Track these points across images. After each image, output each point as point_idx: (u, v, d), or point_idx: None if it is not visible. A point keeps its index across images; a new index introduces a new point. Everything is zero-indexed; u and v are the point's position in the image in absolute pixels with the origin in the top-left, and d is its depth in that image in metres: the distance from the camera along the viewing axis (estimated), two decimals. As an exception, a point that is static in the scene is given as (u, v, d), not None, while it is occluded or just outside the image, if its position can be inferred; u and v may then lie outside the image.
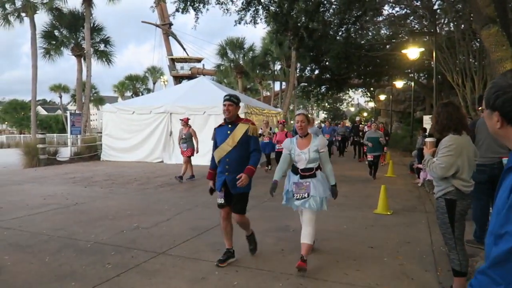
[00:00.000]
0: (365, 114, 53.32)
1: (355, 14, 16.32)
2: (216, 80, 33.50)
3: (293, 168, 3.90)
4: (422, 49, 14.36)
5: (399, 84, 23.39)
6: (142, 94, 43.55)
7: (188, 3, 14.83)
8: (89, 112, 22.62)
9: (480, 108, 5.45)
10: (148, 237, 4.85)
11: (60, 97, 48.64)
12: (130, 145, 14.26)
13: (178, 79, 48.72)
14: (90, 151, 15.23)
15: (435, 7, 16.12)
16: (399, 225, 5.54)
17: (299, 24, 18.48)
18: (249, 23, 17.13)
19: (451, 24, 15.37)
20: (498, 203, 1.09)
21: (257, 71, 33.04)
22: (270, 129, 11.94)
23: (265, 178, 9.24)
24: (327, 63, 22.63)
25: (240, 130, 3.82)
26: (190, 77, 44.01)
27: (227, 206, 3.86)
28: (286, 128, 11.78)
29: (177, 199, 7.31)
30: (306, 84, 27.71)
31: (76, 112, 19.06)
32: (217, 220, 4.38)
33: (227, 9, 16.04)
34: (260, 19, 17.49)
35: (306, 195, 3.71)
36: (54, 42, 22.67)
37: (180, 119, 10.09)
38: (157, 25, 49.34)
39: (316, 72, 24.92)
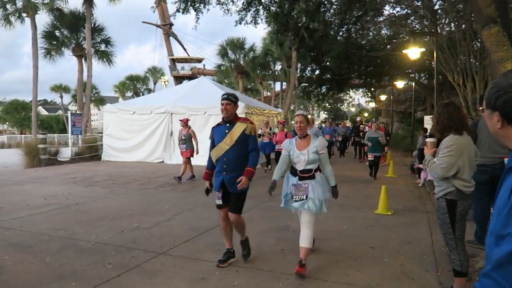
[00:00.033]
0: (366, 114, 53.31)
1: (356, 14, 16.31)
2: (217, 81, 33.53)
3: (291, 169, 3.83)
4: (423, 49, 14.35)
5: (399, 84, 23.38)
6: (143, 95, 43.56)
7: (189, 3, 14.86)
8: (90, 112, 22.64)
9: (480, 108, 5.45)
10: (149, 237, 4.85)
11: (61, 97, 48.72)
12: (130, 145, 14.27)
13: (178, 79, 48.77)
14: (91, 151, 15.24)
15: (436, 7, 16.12)
16: (400, 225, 5.53)
17: (299, 24, 18.49)
18: (250, 24, 17.16)
19: (452, 24, 15.36)
20: (499, 204, 1.09)
21: (258, 71, 33.05)
22: (270, 129, 11.92)
23: (265, 178, 9.23)
24: (327, 63, 22.63)
25: (238, 129, 3.78)
26: (190, 77, 44.05)
27: (225, 206, 3.84)
28: (287, 128, 11.77)
29: (178, 199, 7.31)
30: (306, 84, 27.73)
31: (77, 112, 19.07)
32: (217, 220, 4.38)
33: (227, 10, 16.07)
34: (261, 19, 17.51)
35: (304, 197, 3.63)
36: (55, 42, 22.72)
37: (180, 120, 10.08)
38: (157, 26, 49.40)
39: (317, 72, 24.94)
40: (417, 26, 18.19)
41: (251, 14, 16.71)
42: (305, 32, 19.20)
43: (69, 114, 17.04)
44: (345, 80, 25.04)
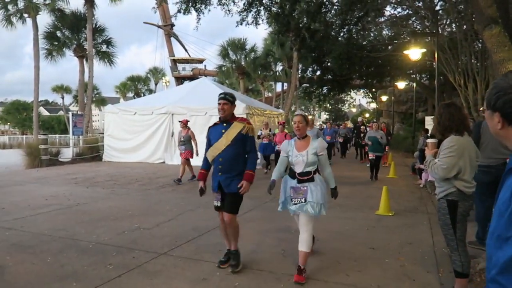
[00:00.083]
0: (367, 115, 53.24)
1: (357, 15, 16.30)
2: (218, 81, 33.56)
3: (290, 172, 3.75)
4: (424, 50, 14.33)
5: (401, 85, 23.32)
6: (144, 95, 43.61)
7: (190, 4, 14.85)
8: (91, 113, 22.70)
9: (481, 109, 5.44)
10: (150, 237, 4.85)
11: (62, 98, 48.80)
12: (132, 146, 14.28)
13: (180, 80, 48.77)
14: (92, 152, 15.25)
15: (437, 7, 16.10)
16: (401, 226, 5.52)
17: (301, 25, 18.49)
18: (251, 24, 17.14)
19: (453, 25, 15.33)
20: (499, 204, 1.09)
21: (259, 72, 33.04)
22: (270, 130, 11.89)
23: (265, 179, 9.20)
24: (328, 64, 22.61)
25: (234, 129, 3.73)
26: (191, 78, 44.09)
27: (224, 208, 3.82)
28: (287, 129, 11.73)
29: (179, 200, 7.31)
30: (307, 85, 27.69)
31: (78, 113, 19.09)
32: (218, 221, 4.37)
33: (228, 10, 16.05)
34: (262, 20, 17.49)
35: (303, 200, 3.55)
36: (56, 43, 22.75)
37: (179, 121, 10.07)
38: (159, 26, 49.42)
39: (318, 73, 24.91)
40: (418, 27, 18.16)
41: (252, 14, 16.70)
42: (306, 32, 19.20)
43: (70, 115, 17.06)
44: (346, 81, 24.99)
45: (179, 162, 12.00)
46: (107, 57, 23.92)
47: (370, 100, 44.34)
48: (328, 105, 62.18)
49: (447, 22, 16.23)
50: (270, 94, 42.43)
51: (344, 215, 6.09)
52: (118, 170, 11.80)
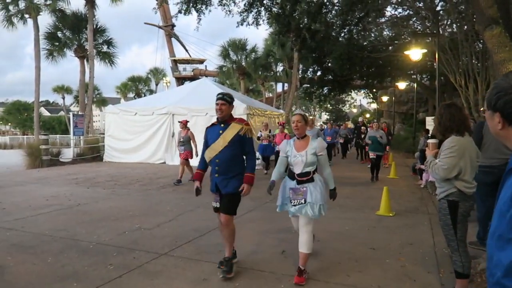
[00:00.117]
0: (367, 115, 53.23)
1: (358, 16, 16.29)
2: (219, 82, 33.56)
3: (289, 173, 3.70)
4: (425, 51, 14.33)
5: (401, 85, 23.33)
6: (145, 95, 43.65)
7: (191, 4, 14.85)
8: (91, 113, 22.71)
9: (482, 109, 5.43)
10: (150, 238, 4.85)
11: (63, 98, 48.84)
12: (132, 146, 14.29)
13: (180, 80, 48.77)
14: (93, 152, 15.27)
15: (438, 8, 16.09)
16: (401, 226, 5.52)
17: (301, 26, 18.47)
18: (252, 25, 17.15)
19: (454, 25, 15.34)
20: (500, 204, 1.08)
21: (259, 73, 33.04)
22: (270, 131, 11.84)
23: (265, 179, 9.19)
24: (329, 64, 22.62)
25: (232, 130, 3.67)
26: (192, 78, 44.06)
27: None
28: (287, 129, 11.71)
29: (179, 200, 7.32)
30: (308, 85, 27.71)
31: (79, 113, 19.10)
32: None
33: (229, 11, 16.04)
34: (263, 21, 17.46)
35: (303, 201, 3.50)
36: (57, 44, 22.77)
37: (179, 121, 10.05)
38: (159, 27, 49.42)
39: (319, 73, 24.93)
40: (419, 27, 18.17)
41: (253, 15, 16.68)
42: (307, 33, 19.18)
43: (71, 115, 17.07)
44: (347, 81, 25.00)
45: (179, 163, 12.02)
46: (108, 58, 23.94)
47: (371, 100, 44.33)
48: (328, 105, 62.12)
49: (448, 23, 16.23)
50: (270, 95, 42.41)
51: (344, 216, 6.09)
52: (118, 171, 11.81)
